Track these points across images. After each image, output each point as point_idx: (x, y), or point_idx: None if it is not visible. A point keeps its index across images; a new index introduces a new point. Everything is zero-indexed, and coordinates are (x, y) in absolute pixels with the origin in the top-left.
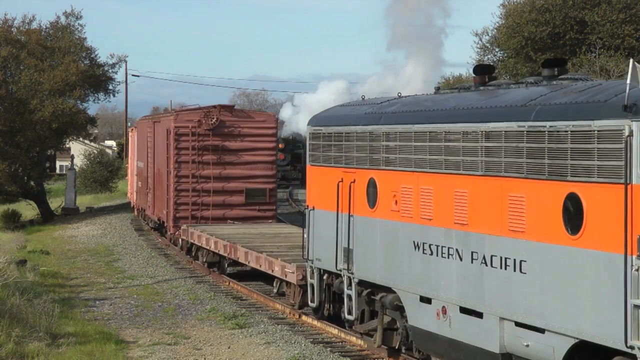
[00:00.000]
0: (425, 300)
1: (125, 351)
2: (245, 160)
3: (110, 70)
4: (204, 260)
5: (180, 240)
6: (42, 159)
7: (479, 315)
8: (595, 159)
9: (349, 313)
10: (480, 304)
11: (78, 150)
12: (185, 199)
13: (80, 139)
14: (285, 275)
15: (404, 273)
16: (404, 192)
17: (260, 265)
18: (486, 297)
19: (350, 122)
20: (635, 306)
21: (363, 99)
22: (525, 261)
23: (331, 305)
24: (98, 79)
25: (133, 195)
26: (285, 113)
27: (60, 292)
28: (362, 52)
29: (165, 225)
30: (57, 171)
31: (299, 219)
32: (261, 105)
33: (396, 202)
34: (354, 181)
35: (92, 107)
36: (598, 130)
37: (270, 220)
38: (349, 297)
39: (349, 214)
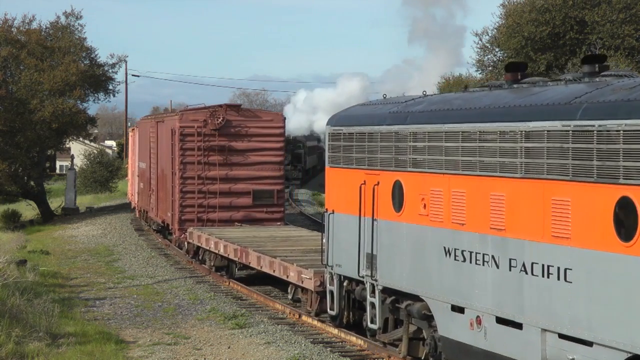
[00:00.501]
0: (457, 309)
1: (125, 351)
2: (253, 161)
3: (110, 70)
4: (212, 264)
5: (186, 243)
6: (42, 159)
7: (518, 326)
8: None
9: (372, 322)
10: (519, 314)
11: (78, 150)
12: (191, 201)
13: (80, 139)
14: (302, 281)
15: (434, 280)
16: (434, 195)
17: (274, 271)
18: (526, 307)
19: (373, 121)
20: None
21: (384, 97)
22: (570, 269)
23: (351, 313)
24: (98, 79)
25: (134, 197)
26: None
27: (60, 292)
28: (362, 52)
29: (169, 227)
30: (57, 171)
31: (299, 219)
32: (261, 105)
33: (425, 205)
34: (378, 183)
35: (92, 107)
36: None
37: (278, 223)
38: (372, 305)
39: (373, 218)
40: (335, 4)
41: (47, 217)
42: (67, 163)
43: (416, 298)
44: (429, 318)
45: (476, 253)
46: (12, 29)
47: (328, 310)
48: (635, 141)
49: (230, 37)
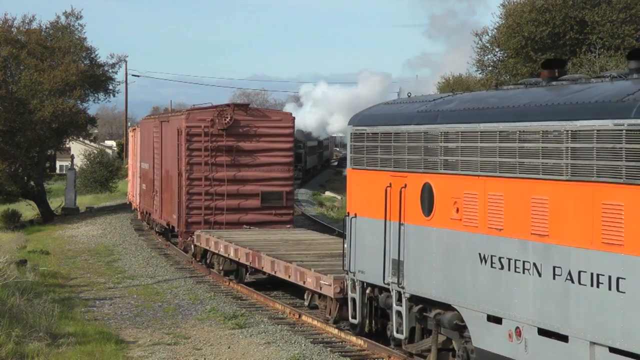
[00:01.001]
0: (494, 319)
1: (125, 351)
2: (261, 162)
3: (110, 70)
4: (220, 268)
5: (192, 246)
6: (42, 159)
7: (563, 338)
8: None
9: (398, 331)
10: (565, 326)
11: (78, 150)
12: (198, 202)
13: (80, 139)
14: (320, 288)
15: (467, 289)
16: (468, 199)
17: (290, 276)
18: (572, 318)
19: (399, 121)
20: None
21: (409, 96)
22: (623, 278)
23: (373, 321)
24: (98, 79)
25: (135, 198)
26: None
27: (60, 292)
28: (363, 52)
29: (175, 230)
30: (57, 171)
31: (299, 219)
32: (261, 105)
33: (457, 209)
34: (405, 186)
35: (92, 107)
36: None
37: (288, 226)
38: (398, 313)
39: (400, 222)
40: (336, 4)
41: (47, 217)
42: (67, 163)
43: (447, 307)
44: (460, 328)
45: (515, 260)
46: (12, 29)
47: (350, 318)
48: None
49: (230, 37)
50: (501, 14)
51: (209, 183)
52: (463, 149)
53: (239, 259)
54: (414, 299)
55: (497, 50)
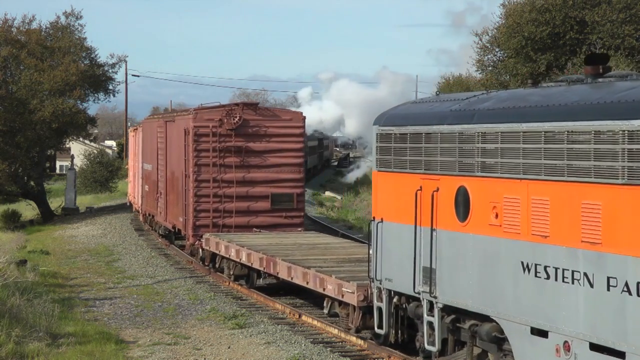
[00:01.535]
0: (539, 332)
1: (125, 351)
2: (271, 163)
3: (110, 70)
4: (231, 273)
5: (200, 250)
6: (42, 159)
7: (620, 354)
8: None
9: (429, 343)
10: (621, 341)
11: (78, 150)
12: (206, 205)
13: (80, 139)
14: (342, 295)
15: (508, 299)
16: (509, 203)
17: (308, 283)
18: (630, 333)
19: (431, 120)
20: None
21: (437, 94)
22: None
23: (399, 332)
24: (98, 79)
25: (137, 199)
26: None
27: (60, 292)
28: (363, 52)
29: (181, 233)
30: (57, 171)
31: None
32: (261, 105)
33: (497, 214)
34: (438, 189)
35: (92, 107)
36: None
37: (299, 229)
38: (429, 324)
39: (432, 228)
40: (336, 4)
41: (47, 217)
42: (67, 163)
43: (483, 318)
44: (499, 341)
45: (563, 269)
46: (12, 29)
47: (375, 328)
48: None
49: (230, 37)
50: (501, 14)
51: (218, 185)
52: (503, 150)
53: (251, 263)
54: (447, 309)
55: (497, 50)
